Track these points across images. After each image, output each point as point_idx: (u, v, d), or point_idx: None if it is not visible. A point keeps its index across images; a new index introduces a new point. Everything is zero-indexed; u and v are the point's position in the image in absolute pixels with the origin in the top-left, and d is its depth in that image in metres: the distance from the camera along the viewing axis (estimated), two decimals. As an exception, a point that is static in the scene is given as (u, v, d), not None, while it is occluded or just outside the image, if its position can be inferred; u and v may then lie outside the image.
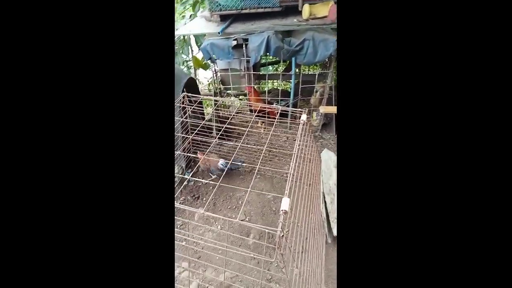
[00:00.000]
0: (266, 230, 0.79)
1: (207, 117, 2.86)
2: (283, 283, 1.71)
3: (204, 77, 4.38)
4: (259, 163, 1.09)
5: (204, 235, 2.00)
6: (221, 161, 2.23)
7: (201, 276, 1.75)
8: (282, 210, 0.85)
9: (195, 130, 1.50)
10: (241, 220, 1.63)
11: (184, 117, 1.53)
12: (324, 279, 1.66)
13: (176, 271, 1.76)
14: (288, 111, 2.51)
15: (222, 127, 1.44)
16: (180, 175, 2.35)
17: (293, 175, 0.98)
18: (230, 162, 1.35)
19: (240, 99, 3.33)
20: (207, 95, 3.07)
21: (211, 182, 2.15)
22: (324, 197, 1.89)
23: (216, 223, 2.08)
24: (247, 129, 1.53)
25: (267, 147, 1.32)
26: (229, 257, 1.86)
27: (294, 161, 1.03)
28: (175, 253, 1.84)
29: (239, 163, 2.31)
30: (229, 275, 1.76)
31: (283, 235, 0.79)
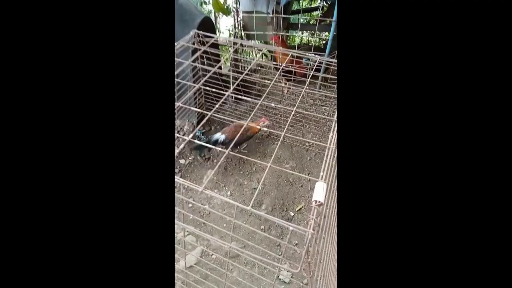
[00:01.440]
0: (281, 202, 0.54)
1: (224, 69, 2.51)
2: (294, 260, 1.56)
3: (225, 27, 3.86)
4: (284, 131, 0.80)
5: (212, 201, 1.84)
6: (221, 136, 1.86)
7: (206, 243, 1.64)
8: (315, 201, 0.58)
9: (208, 83, 1.21)
10: (254, 211, 1.40)
11: (193, 59, 1.21)
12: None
13: (180, 234, 1.65)
14: (320, 68, 2.11)
15: (240, 81, 1.13)
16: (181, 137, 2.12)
17: (332, 149, 0.70)
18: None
19: (264, 54, 2.90)
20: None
21: (220, 148, 1.91)
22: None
23: (226, 188, 1.91)
24: (269, 85, 1.20)
25: (290, 111, 1.03)
26: (237, 226, 1.72)
27: (336, 131, 0.73)
28: (180, 216, 1.69)
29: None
30: (235, 245, 1.63)
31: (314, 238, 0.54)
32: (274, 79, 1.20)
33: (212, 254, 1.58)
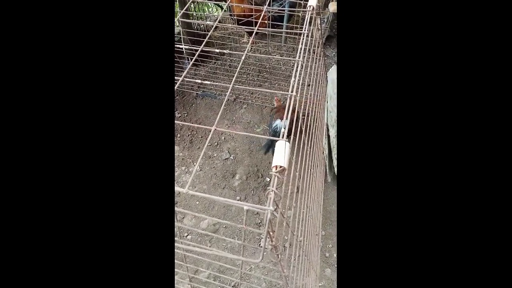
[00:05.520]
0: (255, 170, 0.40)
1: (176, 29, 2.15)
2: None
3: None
4: (229, 84, 0.62)
5: (180, 178, 1.67)
6: None
7: (178, 224, 1.51)
8: (276, 166, 0.43)
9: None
10: (192, 192, 1.27)
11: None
12: (321, 222, 1.44)
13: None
14: (283, 14, 1.85)
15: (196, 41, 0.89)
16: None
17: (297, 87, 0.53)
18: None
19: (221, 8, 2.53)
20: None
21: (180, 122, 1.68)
22: (328, 129, 1.49)
23: (195, 164, 1.74)
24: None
25: (255, 69, 0.83)
26: (211, 201, 1.59)
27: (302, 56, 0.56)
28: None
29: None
30: (211, 222, 1.52)
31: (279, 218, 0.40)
32: (232, 37, 0.96)
33: (187, 235, 1.46)
